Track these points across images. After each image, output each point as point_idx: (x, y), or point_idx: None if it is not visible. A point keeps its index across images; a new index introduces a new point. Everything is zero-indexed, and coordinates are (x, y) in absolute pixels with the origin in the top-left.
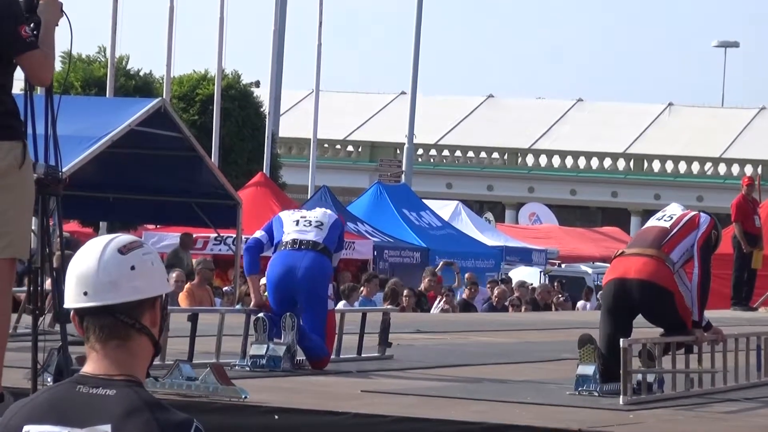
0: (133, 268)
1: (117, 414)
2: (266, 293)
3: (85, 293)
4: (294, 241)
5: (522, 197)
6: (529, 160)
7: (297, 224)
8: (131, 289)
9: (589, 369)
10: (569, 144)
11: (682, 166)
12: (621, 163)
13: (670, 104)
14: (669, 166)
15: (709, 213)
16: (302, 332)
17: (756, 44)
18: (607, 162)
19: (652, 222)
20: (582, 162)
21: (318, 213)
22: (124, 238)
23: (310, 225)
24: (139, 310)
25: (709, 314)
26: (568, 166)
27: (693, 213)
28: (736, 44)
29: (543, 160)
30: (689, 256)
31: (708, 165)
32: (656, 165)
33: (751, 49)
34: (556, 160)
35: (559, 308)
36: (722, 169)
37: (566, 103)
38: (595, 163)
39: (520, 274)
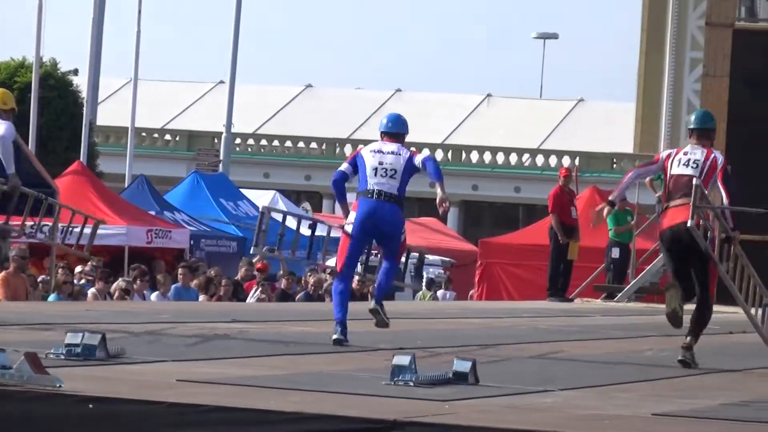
0: None
1: None
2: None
3: None
4: (379, 192)
5: None
6: (348, 150)
7: (375, 173)
8: None
9: (405, 359)
10: None
11: (500, 157)
12: (439, 154)
13: (488, 95)
14: (487, 156)
15: (718, 152)
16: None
17: (575, 36)
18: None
19: (681, 169)
20: None
21: (390, 159)
22: None
23: (386, 175)
24: None
25: (525, 305)
26: None
27: (711, 155)
28: (555, 36)
29: None
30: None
31: (526, 156)
32: (474, 156)
33: (570, 41)
34: None
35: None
36: (540, 160)
37: (385, 93)
38: None
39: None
